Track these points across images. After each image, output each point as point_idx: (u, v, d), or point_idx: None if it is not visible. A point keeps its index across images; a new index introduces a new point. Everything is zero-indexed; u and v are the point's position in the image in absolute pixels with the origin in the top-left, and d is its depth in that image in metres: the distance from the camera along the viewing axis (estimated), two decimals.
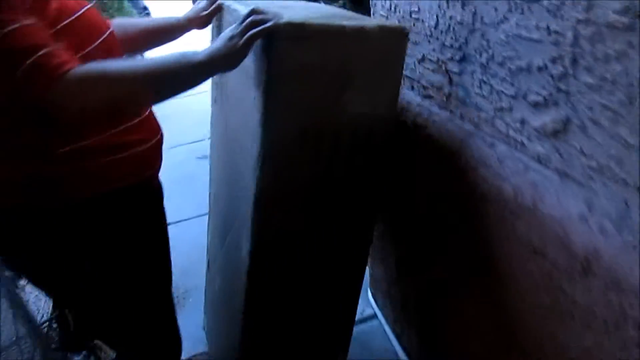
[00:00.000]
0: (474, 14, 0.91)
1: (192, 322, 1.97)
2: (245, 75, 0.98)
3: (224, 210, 1.37)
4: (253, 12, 0.85)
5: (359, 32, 0.91)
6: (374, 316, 1.87)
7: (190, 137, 3.78)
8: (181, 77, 0.86)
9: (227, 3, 1.13)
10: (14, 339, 1.40)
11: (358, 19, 0.99)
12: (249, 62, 0.94)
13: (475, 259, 1.02)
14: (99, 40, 0.91)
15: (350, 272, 1.26)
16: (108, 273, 1.02)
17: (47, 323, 1.44)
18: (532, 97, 0.82)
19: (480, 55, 0.93)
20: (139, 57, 0.90)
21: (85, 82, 0.77)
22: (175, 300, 2.17)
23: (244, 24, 0.84)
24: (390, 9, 1.23)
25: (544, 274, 0.81)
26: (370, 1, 1.34)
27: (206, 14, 1.16)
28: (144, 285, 1.10)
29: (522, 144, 0.88)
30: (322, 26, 0.89)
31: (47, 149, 0.84)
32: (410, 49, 1.18)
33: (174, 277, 2.21)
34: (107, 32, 0.94)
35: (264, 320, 1.21)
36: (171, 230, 2.86)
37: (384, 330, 1.78)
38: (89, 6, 0.93)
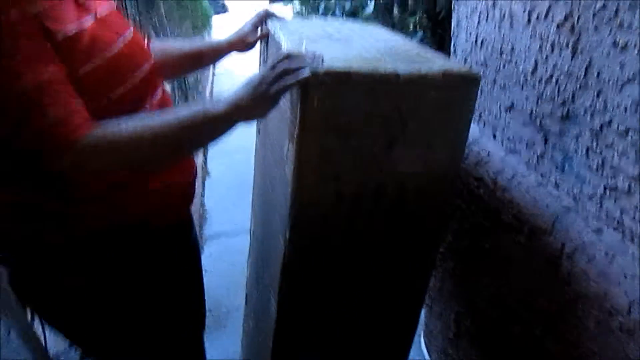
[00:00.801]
0: (589, 66, 0.72)
1: (231, 346, 1.89)
2: (282, 117, 0.85)
3: (260, 252, 1.25)
4: (287, 57, 0.71)
5: (417, 80, 0.74)
6: None
7: (253, 141, 3.75)
8: (203, 133, 0.75)
9: (273, 28, 0.99)
10: None
11: (421, 57, 0.83)
12: (286, 105, 0.81)
13: None
14: (138, 79, 0.80)
15: (390, 341, 1.11)
16: (126, 313, 0.93)
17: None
18: None
19: (592, 117, 0.74)
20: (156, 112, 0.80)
21: (100, 149, 0.68)
22: (216, 320, 2.12)
23: (275, 70, 0.71)
24: (476, 42, 1.04)
25: None
26: (452, 31, 1.16)
27: (250, 40, 1.06)
28: (168, 327, 1.01)
29: None
30: (370, 74, 0.72)
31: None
32: (496, 92, 1.00)
33: (218, 295, 2.14)
34: (147, 67, 0.84)
35: None
36: (222, 242, 2.80)
37: None
38: (128, 34, 0.83)
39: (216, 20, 7.77)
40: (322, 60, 0.72)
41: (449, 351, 1.44)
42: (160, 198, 0.87)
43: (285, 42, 0.85)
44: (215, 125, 0.74)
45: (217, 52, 1.10)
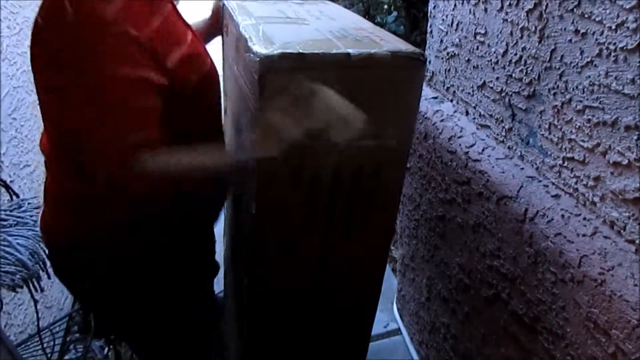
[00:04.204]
0: (553, 50, 0.81)
1: None
2: (243, 100, 0.90)
3: (232, 228, 1.32)
4: None
5: (367, 60, 0.79)
6: (398, 331, 1.82)
7: None
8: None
9: (232, 9, 1.02)
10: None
11: (372, 39, 0.87)
12: (246, 89, 0.86)
13: (523, 318, 0.94)
14: (219, 92, 0.95)
15: (356, 315, 1.20)
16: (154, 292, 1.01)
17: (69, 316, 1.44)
18: (614, 157, 0.72)
19: (555, 96, 0.83)
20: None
21: (150, 171, 0.78)
22: None
23: None
24: (452, 24, 1.12)
25: (607, 355, 0.73)
26: (429, 12, 1.23)
27: (213, 22, 1.15)
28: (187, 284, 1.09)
29: (594, 203, 0.78)
30: (323, 55, 0.77)
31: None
32: (470, 71, 1.08)
33: None
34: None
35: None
36: None
37: (407, 348, 1.73)
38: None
39: None
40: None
41: (420, 314, 1.56)
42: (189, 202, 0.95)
43: (244, 26, 0.89)
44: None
45: (208, 32, 1.15)
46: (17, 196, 1.39)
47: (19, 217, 1.22)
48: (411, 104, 0.88)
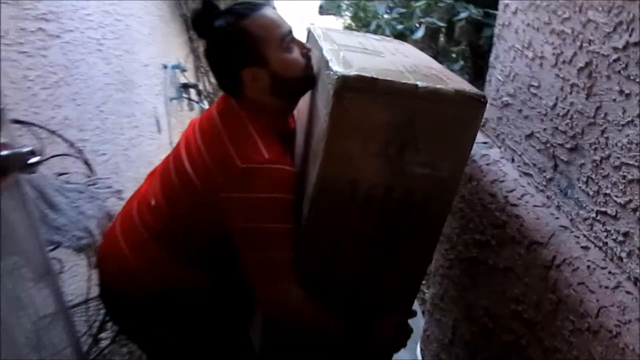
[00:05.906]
0: (598, 107, 0.85)
1: None
2: (316, 115, 0.99)
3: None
4: None
5: (432, 94, 0.87)
6: None
7: None
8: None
9: (317, 35, 1.12)
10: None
11: (440, 77, 0.95)
12: (320, 105, 0.95)
13: None
14: None
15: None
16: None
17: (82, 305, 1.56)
18: None
19: (595, 151, 0.86)
20: None
21: (297, 311, 0.99)
22: None
23: None
24: (509, 75, 1.18)
25: None
26: (490, 62, 1.29)
27: None
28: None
29: (620, 258, 0.80)
30: (393, 83, 0.86)
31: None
32: (520, 121, 1.13)
33: None
34: None
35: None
36: None
37: None
38: None
39: None
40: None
41: (442, 356, 1.55)
42: None
43: (326, 50, 0.99)
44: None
45: None
46: (95, 175, 1.56)
47: (93, 192, 1.37)
48: (466, 140, 0.94)
